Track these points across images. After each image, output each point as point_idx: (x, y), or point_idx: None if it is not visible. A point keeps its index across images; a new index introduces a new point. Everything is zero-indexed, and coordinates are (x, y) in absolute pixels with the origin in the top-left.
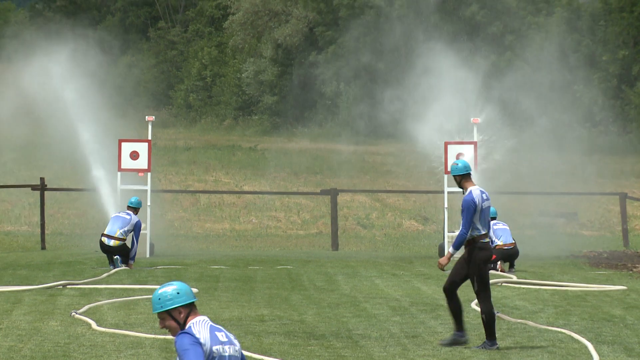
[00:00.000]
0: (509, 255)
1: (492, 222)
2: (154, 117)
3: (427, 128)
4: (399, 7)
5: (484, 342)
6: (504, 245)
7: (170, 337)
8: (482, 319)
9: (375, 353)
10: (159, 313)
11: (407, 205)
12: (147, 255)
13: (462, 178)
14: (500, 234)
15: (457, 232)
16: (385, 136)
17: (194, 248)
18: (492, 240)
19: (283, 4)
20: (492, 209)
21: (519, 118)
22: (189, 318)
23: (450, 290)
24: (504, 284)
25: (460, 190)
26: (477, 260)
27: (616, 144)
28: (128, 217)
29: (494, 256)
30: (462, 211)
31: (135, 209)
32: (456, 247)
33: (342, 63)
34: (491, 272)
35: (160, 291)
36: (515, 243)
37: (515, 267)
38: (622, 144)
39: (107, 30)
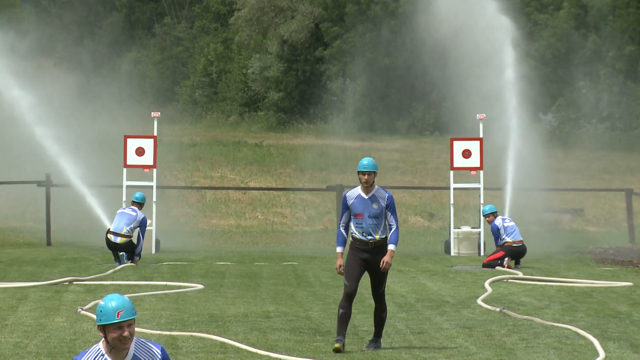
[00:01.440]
0: (517, 253)
1: (501, 218)
2: (159, 113)
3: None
4: (404, 4)
5: (376, 340)
6: (513, 242)
7: (176, 333)
8: (382, 317)
9: (380, 349)
10: (130, 319)
11: (413, 202)
12: (153, 252)
13: (376, 175)
14: (510, 231)
15: (463, 229)
16: (390, 132)
17: (199, 244)
18: (501, 237)
19: (289, 0)
20: (491, 205)
21: (525, 114)
22: None
23: (354, 295)
24: (510, 281)
25: (465, 187)
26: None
27: (622, 140)
28: (134, 213)
29: (501, 252)
30: (391, 208)
31: (139, 204)
32: (397, 243)
33: (348, 59)
34: (498, 268)
35: (127, 297)
36: (523, 241)
37: (521, 264)
38: (628, 140)
39: (113, 27)
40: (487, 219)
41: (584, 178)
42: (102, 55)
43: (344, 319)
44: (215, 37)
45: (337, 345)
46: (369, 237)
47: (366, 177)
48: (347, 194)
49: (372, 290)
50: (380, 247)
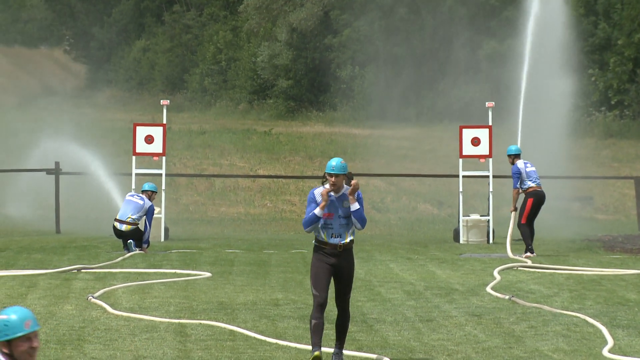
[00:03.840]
0: (541, 197)
1: (523, 162)
2: (168, 101)
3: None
4: None
5: (339, 354)
6: (537, 187)
7: (185, 321)
8: (346, 325)
9: (389, 337)
10: (37, 330)
11: (422, 189)
12: (162, 239)
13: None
14: (533, 176)
15: (472, 217)
16: (400, 120)
17: (208, 232)
18: (524, 182)
19: None
20: (517, 147)
21: (533, 102)
22: None
23: (326, 305)
24: (519, 268)
25: (474, 175)
26: (354, 262)
27: (631, 128)
28: (141, 202)
29: (530, 200)
30: (359, 203)
31: (148, 192)
32: (360, 211)
33: (358, 47)
34: (510, 255)
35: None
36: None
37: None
38: (638, 127)
39: (122, 14)
40: (509, 159)
41: (593, 166)
42: (111, 43)
43: (317, 329)
44: (225, 24)
45: (316, 352)
46: (338, 240)
47: (334, 179)
48: (314, 191)
49: (336, 299)
50: (348, 251)
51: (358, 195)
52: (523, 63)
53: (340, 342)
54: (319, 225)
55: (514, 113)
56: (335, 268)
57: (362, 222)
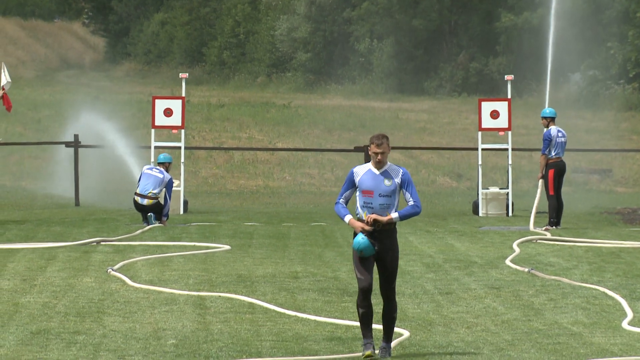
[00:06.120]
0: (562, 167)
1: (556, 130)
2: (187, 74)
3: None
4: None
5: (387, 347)
6: (558, 158)
7: (204, 293)
8: (393, 317)
9: (409, 310)
10: None
11: (440, 162)
12: (181, 212)
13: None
14: (559, 148)
15: (491, 189)
16: (418, 93)
17: (227, 205)
18: (550, 149)
19: None
20: (553, 110)
21: (553, 75)
22: None
23: (371, 290)
24: (538, 241)
25: (493, 148)
26: (397, 246)
27: None
28: (161, 175)
29: (551, 171)
30: (407, 185)
31: (165, 164)
32: (404, 216)
33: (376, 19)
34: (531, 228)
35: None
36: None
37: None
38: None
39: None
40: (544, 122)
41: (612, 138)
42: (129, 16)
43: (367, 320)
44: None
45: (367, 352)
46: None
47: (379, 155)
48: (354, 169)
49: (380, 288)
50: (389, 232)
51: (406, 179)
52: (548, 34)
53: (387, 336)
54: (359, 205)
55: (532, 86)
56: (378, 252)
57: (414, 214)
